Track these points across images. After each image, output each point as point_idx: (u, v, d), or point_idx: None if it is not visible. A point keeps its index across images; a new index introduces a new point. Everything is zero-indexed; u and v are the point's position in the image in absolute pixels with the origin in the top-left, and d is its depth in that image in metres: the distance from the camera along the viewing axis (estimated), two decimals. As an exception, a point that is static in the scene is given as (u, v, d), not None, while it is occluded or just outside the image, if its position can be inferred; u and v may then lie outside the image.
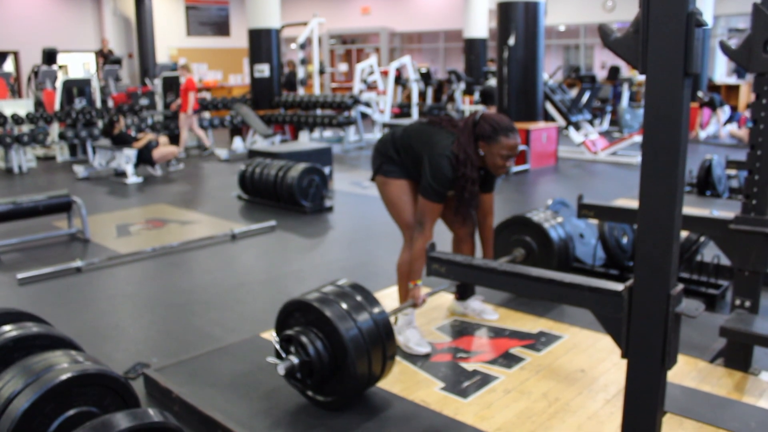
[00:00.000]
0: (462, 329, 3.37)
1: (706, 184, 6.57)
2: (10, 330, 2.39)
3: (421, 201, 2.98)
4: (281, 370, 2.48)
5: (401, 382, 2.83)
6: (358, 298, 2.59)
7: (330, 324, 2.46)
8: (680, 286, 1.85)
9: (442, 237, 3.54)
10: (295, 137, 12.05)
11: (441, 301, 3.74)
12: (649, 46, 1.73)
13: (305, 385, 2.59)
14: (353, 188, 7.93)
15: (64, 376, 2.04)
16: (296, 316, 2.62)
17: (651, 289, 1.83)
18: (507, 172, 3.01)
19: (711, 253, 3.91)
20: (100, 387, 2.13)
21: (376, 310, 2.57)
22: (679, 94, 1.71)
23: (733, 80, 14.65)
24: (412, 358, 3.04)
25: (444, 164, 2.90)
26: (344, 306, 2.52)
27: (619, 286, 1.93)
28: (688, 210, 3.65)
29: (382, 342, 2.53)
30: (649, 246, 1.81)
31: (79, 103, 10.81)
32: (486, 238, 3.35)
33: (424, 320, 3.47)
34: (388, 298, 3.77)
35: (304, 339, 2.50)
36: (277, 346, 2.58)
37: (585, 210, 3.43)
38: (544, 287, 2.14)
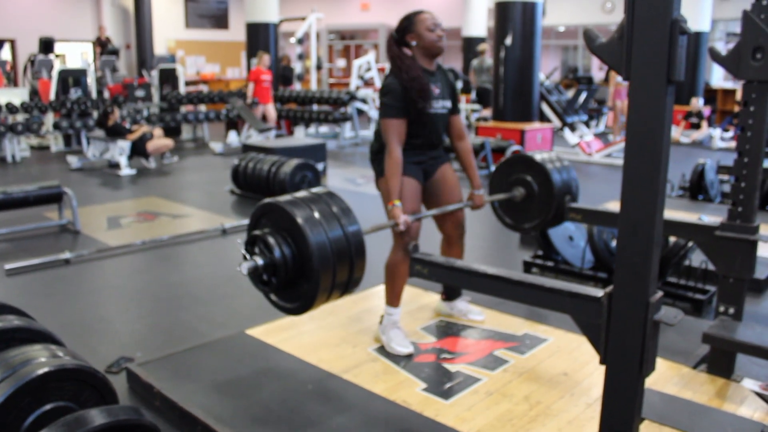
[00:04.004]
0: (447, 330, 3.37)
1: (698, 189, 6.57)
2: (-10, 322, 2.38)
3: (381, 123, 2.98)
4: (244, 269, 2.40)
5: (383, 381, 2.83)
6: (333, 208, 2.45)
7: (297, 227, 2.33)
8: (659, 294, 1.85)
9: (433, 239, 3.54)
10: (290, 132, 12.03)
11: (427, 301, 3.74)
12: (633, 53, 1.72)
13: (269, 287, 2.48)
14: (347, 185, 7.92)
15: (40, 371, 2.03)
16: (265, 220, 2.51)
17: (630, 296, 1.83)
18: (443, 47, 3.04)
19: (699, 258, 3.91)
20: (78, 382, 2.12)
21: (347, 219, 2.43)
22: (662, 102, 1.71)
23: (729, 84, 14.67)
24: (395, 357, 3.04)
25: (389, 80, 2.97)
26: (315, 213, 2.38)
27: (598, 293, 1.93)
28: (676, 215, 3.64)
29: (349, 247, 2.39)
30: (629, 253, 1.81)
31: (74, 93, 10.77)
32: (467, 163, 3.27)
33: (410, 320, 3.46)
34: (376, 296, 3.77)
35: (270, 240, 2.39)
36: (242, 249, 2.48)
37: (573, 213, 3.43)
38: (524, 291, 2.13)
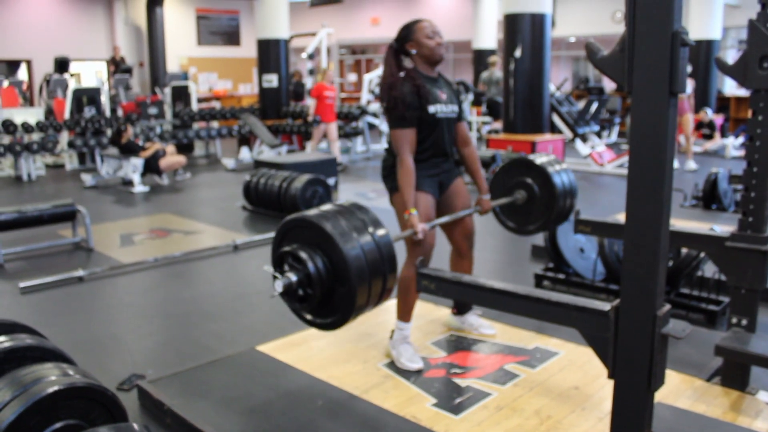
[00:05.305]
0: (458, 344, 3.36)
1: (711, 198, 6.53)
2: (2, 341, 2.40)
3: (392, 134, 2.99)
4: (279, 287, 2.32)
5: (394, 397, 2.82)
6: (360, 216, 2.42)
7: (327, 237, 2.28)
8: (667, 307, 1.84)
9: (444, 254, 3.53)
10: (302, 147, 12.08)
11: (438, 315, 3.73)
12: (635, 65, 1.73)
13: (308, 302, 2.40)
14: (358, 199, 7.91)
15: (51, 389, 2.05)
16: (291, 236, 2.43)
17: (637, 310, 1.82)
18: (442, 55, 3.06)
19: (712, 268, 3.87)
20: (88, 400, 2.14)
21: (376, 227, 2.41)
22: (665, 114, 1.71)
23: (743, 92, 14.56)
24: (406, 373, 3.03)
25: (394, 89, 2.95)
26: (343, 223, 2.34)
27: (605, 306, 1.92)
28: (689, 225, 3.60)
29: (382, 260, 2.36)
30: (635, 266, 1.80)
31: (88, 112, 10.90)
32: (474, 169, 3.30)
33: (420, 334, 3.45)
34: (387, 311, 3.76)
35: (302, 254, 2.31)
36: (270, 270, 2.42)
37: (581, 225, 3.41)
38: (531, 306, 2.13)
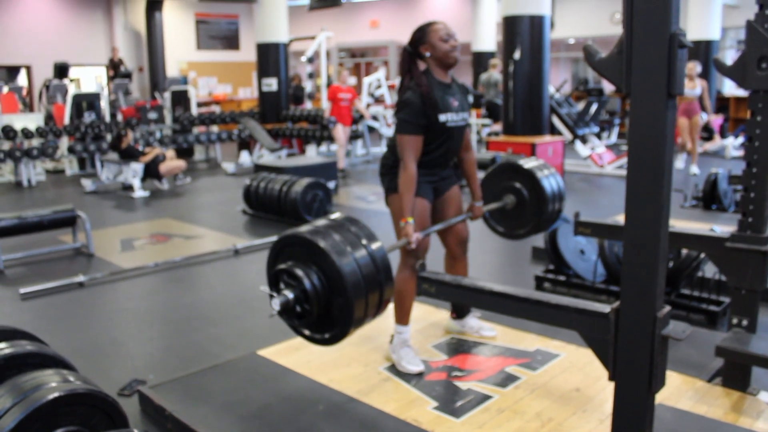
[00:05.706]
0: (458, 347, 3.35)
1: (711, 198, 6.53)
2: (3, 348, 2.40)
3: (398, 139, 2.95)
4: (276, 306, 2.30)
5: (395, 400, 2.82)
6: (353, 229, 2.41)
7: (321, 252, 2.26)
8: (667, 308, 1.84)
9: (438, 257, 3.54)
10: (302, 151, 12.09)
11: (438, 318, 3.72)
12: (633, 67, 1.73)
13: (306, 318, 2.38)
14: (358, 203, 7.93)
15: (51, 396, 2.05)
16: (286, 253, 2.42)
17: (637, 311, 1.82)
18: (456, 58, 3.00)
19: (712, 269, 3.87)
20: (88, 407, 2.13)
21: (370, 239, 2.39)
22: (663, 115, 1.71)
23: (742, 93, 14.56)
24: (406, 376, 3.03)
25: (407, 95, 2.93)
26: (337, 236, 2.33)
27: (605, 308, 1.92)
28: (689, 225, 3.59)
29: (377, 272, 2.33)
30: (635, 268, 1.80)
31: (88, 117, 10.90)
32: (470, 174, 3.30)
33: (421, 337, 3.45)
34: (387, 315, 3.73)
35: (297, 271, 2.30)
36: (265, 289, 2.42)
37: (581, 227, 3.41)
38: (531, 308, 2.12)
